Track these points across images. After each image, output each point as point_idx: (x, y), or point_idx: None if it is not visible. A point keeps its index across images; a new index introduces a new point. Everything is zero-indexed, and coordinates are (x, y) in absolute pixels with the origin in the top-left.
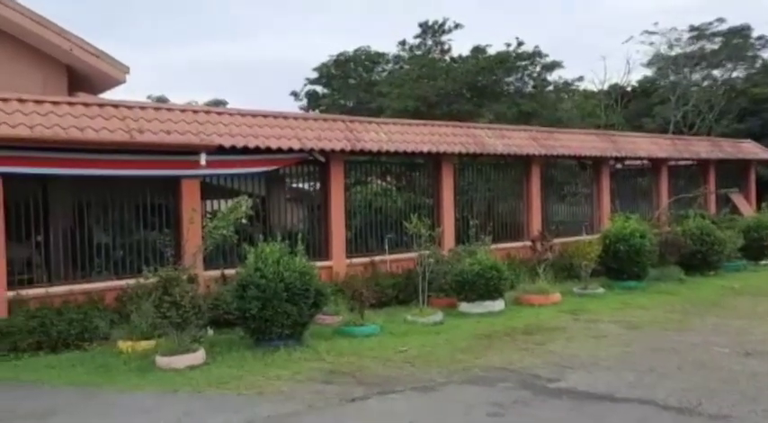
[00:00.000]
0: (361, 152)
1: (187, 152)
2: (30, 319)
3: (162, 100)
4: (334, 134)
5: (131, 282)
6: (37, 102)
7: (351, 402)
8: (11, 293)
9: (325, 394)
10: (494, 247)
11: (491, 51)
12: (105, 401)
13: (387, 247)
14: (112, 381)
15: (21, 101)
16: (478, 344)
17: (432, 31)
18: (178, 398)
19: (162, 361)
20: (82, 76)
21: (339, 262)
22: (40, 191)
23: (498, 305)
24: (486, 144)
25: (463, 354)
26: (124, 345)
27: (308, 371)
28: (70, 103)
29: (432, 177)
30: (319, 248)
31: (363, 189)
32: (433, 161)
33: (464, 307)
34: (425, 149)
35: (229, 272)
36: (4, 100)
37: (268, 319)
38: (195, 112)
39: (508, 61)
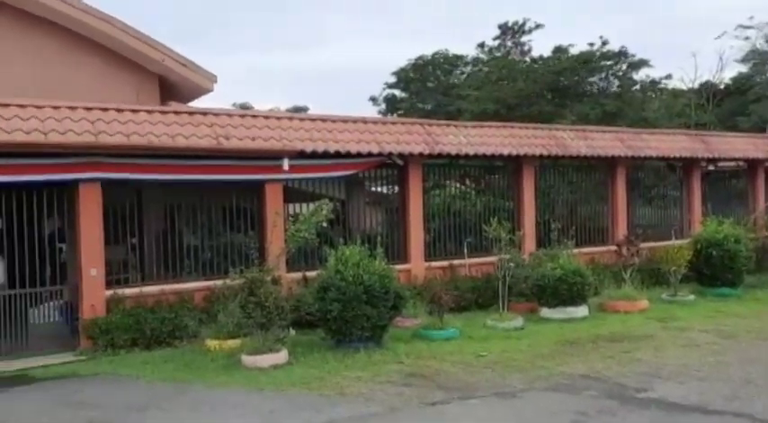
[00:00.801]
0: (440, 155)
1: (271, 157)
2: (126, 317)
3: (246, 107)
4: (413, 137)
5: (218, 282)
6: (133, 111)
7: (431, 406)
8: (109, 292)
9: (404, 397)
10: (577, 251)
11: (574, 51)
12: (195, 397)
13: (466, 251)
14: (201, 377)
15: (118, 110)
16: (561, 350)
17: (511, 32)
18: (263, 396)
19: (247, 360)
20: (172, 86)
21: (417, 265)
22: (134, 195)
23: (581, 311)
24: (568, 146)
25: (545, 360)
26: (212, 343)
27: (387, 373)
28: (163, 112)
29: (512, 180)
30: (398, 251)
31: (442, 192)
32: (514, 164)
33: (545, 312)
34: (505, 152)
35: (311, 274)
36: (104, 109)
37: (348, 320)
38: (278, 118)
39: (592, 61)
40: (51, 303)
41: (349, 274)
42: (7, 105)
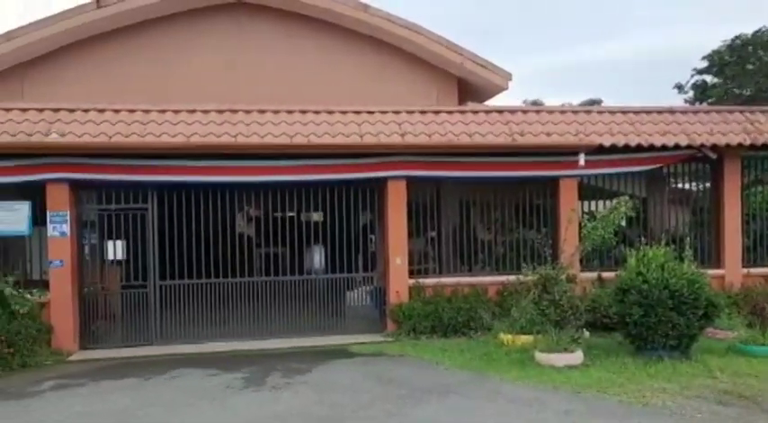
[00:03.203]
0: (764, 146)
1: (566, 152)
2: (426, 305)
3: (537, 103)
4: (730, 127)
5: (511, 278)
6: (434, 112)
7: None
8: (411, 281)
9: (720, 417)
10: None
11: None
12: (491, 387)
13: None
14: (496, 369)
15: (422, 112)
16: None
17: None
18: (558, 395)
19: (541, 357)
20: (469, 85)
21: (733, 271)
22: (434, 191)
23: None
24: None
25: None
26: (505, 337)
27: (697, 387)
28: (461, 112)
29: None
30: (708, 255)
31: (765, 189)
32: None
33: None
34: None
35: (607, 274)
36: (409, 112)
37: (650, 326)
38: (575, 112)
39: None
40: (363, 288)
41: (652, 276)
42: (332, 112)
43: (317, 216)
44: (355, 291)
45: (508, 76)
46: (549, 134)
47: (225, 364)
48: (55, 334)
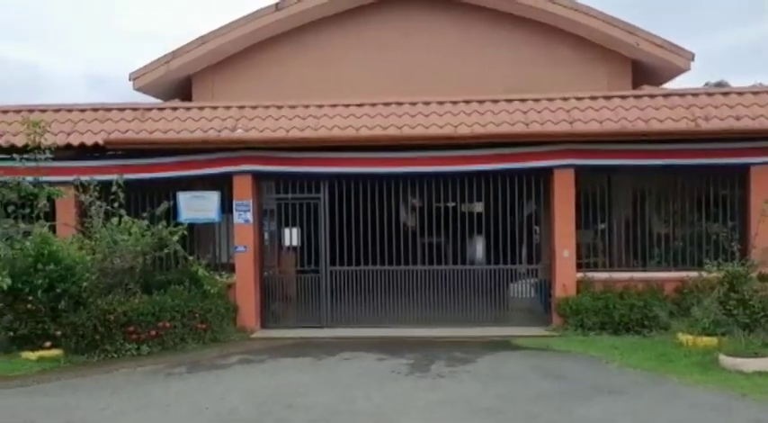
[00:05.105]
0: None
1: (758, 138)
2: (595, 300)
3: (721, 85)
4: None
5: (691, 274)
6: (606, 98)
7: None
8: (579, 275)
9: None
10: None
11: None
12: (668, 390)
13: None
14: (674, 371)
15: (592, 98)
16: None
17: None
18: (746, 403)
19: (726, 360)
20: (645, 68)
21: None
22: (604, 181)
23: None
24: None
25: None
26: (684, 337)
27: None
28: (636, 96)
29: None
30: None
31: None
32: None
33: None
34: None
35: None
36: (578, 98)
37: None
38: None
39: None
40: (527, 280)
41: None
42: (496, 101)
43: (478, 206)
44: (518, 282)
45: (689, 57)
46: (738, 118)
47: (390, 350)
48: (240, 313)
